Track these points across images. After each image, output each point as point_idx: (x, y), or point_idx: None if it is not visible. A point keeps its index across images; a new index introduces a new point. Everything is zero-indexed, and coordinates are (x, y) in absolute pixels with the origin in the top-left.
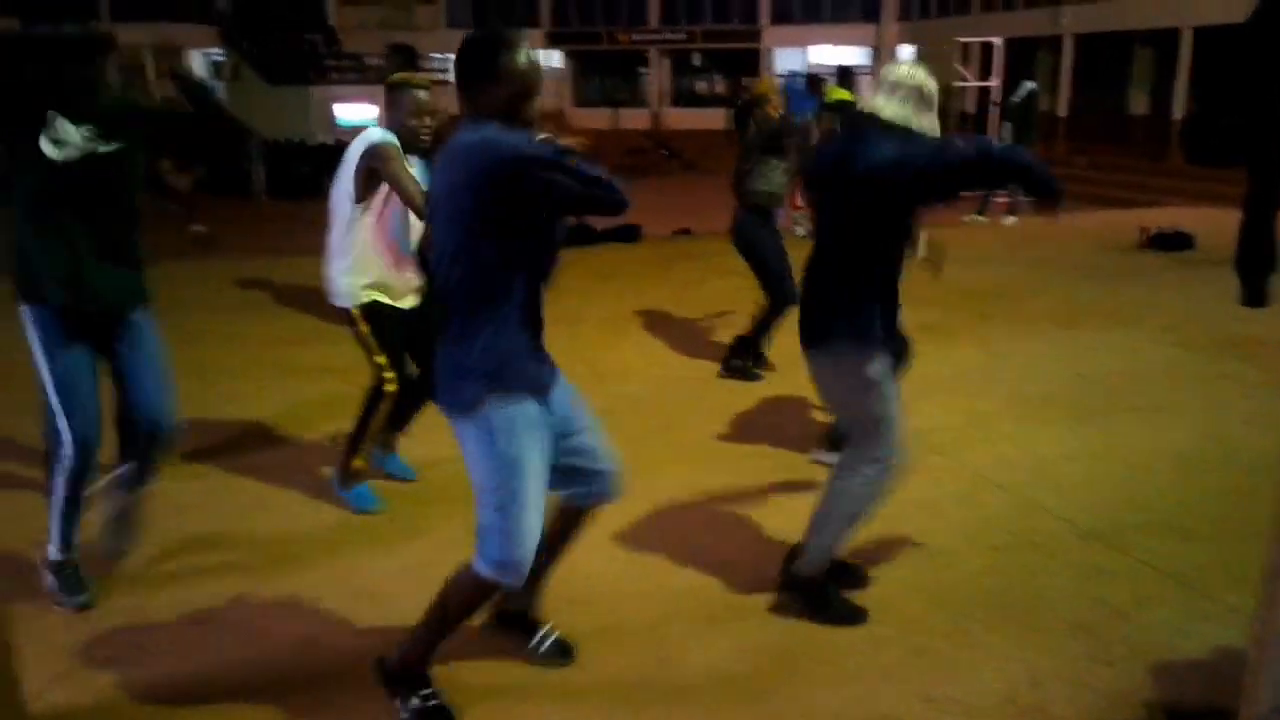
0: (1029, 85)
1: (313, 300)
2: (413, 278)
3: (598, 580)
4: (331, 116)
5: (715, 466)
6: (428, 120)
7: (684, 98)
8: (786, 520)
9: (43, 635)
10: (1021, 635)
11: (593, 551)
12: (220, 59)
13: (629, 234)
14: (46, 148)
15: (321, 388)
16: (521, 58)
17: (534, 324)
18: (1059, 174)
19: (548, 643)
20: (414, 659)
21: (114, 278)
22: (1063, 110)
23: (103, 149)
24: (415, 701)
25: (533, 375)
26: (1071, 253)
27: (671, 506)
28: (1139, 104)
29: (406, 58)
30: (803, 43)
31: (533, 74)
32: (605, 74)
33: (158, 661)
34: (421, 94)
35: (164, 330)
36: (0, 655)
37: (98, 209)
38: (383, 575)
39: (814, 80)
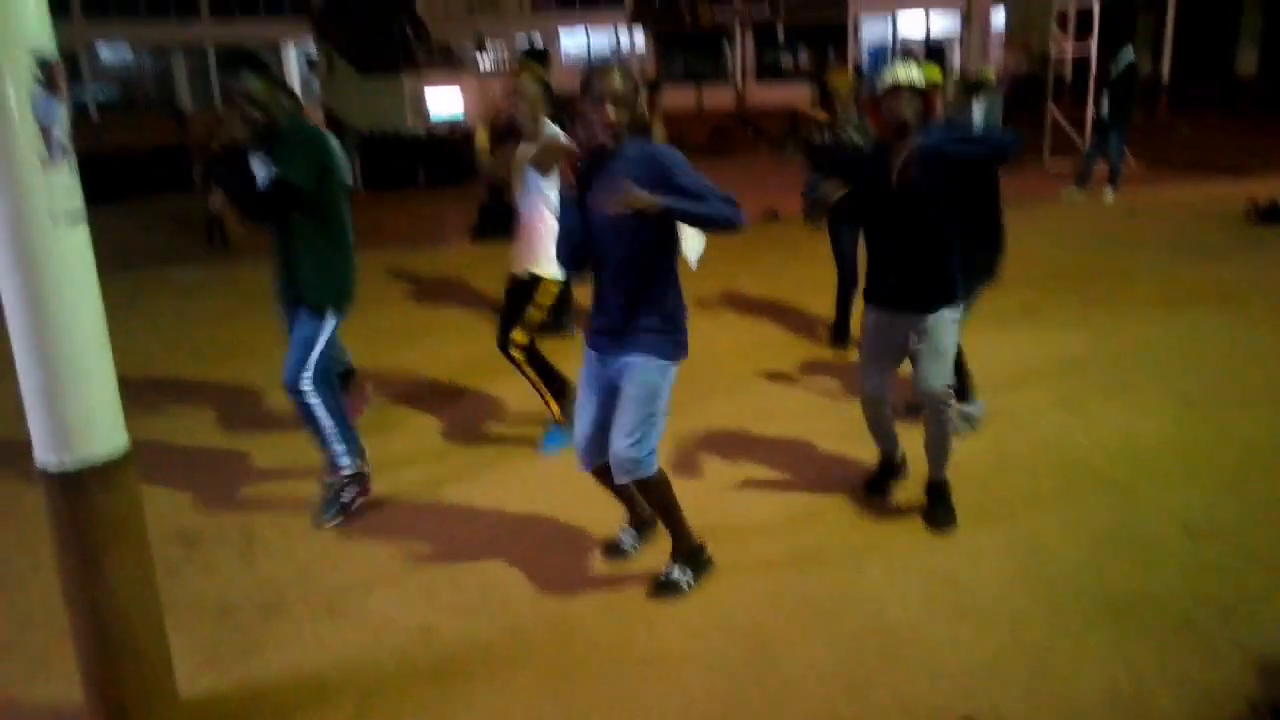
0: (1129, 55)
1: (414, 293)
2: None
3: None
4: (424, 106)
5: (819, 468)
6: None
7: (768, 72)
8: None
9: (189, 625)
10: (1123, 631)
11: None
12: (314, 54)
13: None
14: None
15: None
16: (592, 79)
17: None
18: (1163, 140)
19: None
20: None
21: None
22: (1166, 74)
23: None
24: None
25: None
26: (1176, 228)
27: (782, 503)
28: (1248, 63)
29: (542, 61)
30: (890, 11)
31: (596, 86)
32: (688, 50)
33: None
34: (527, 85)
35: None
36: (158, 645)
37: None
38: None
39: (906, 57)
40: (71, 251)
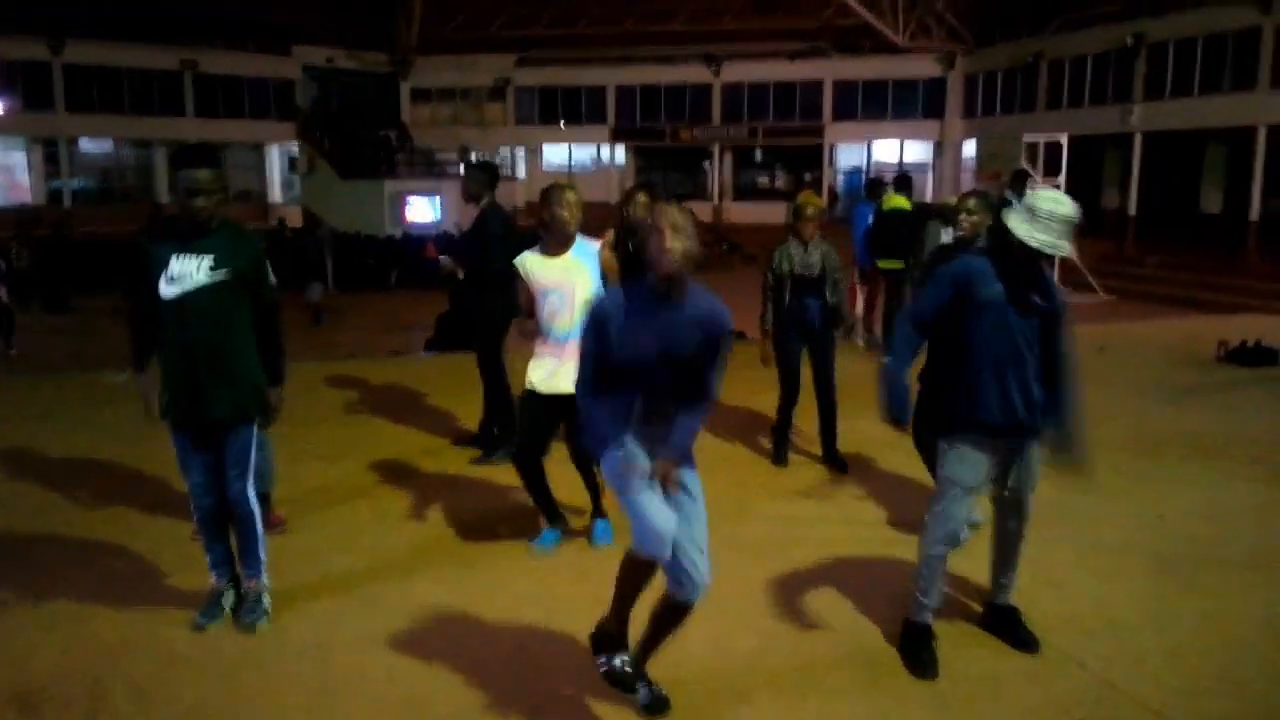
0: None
1: (355, 408)
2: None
3: None
4: (402, 210)
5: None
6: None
7: (746, 191)
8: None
9: None
10: None
11: None
12: (296, 154)
13: None
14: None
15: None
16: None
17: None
18: (1130, 273)
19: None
20: (610, 625)
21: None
22: (1132, 208)
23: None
24: (616, 661)
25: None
26: (1144, 368)
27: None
28: (1212, 202)
29: (489, 173)
30: (865, 138)
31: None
32: (668, 168)
33: None
34: (570, 194)
35: None
36: None
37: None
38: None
39: (874, 184)
40: None
